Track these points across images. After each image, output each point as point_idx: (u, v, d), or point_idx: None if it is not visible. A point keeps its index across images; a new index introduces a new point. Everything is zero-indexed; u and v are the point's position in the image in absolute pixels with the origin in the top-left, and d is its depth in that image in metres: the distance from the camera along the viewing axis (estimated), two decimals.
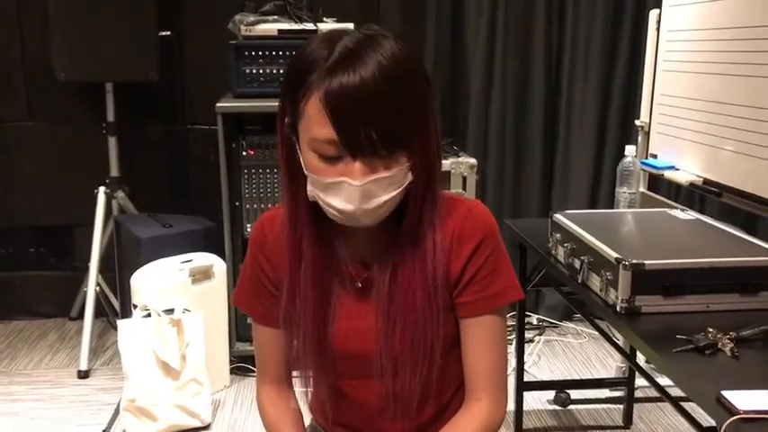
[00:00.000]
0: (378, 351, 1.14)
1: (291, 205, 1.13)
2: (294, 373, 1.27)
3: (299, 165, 1.08)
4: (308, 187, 1.08)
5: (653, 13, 2.52)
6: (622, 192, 2.34)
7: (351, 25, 2.78)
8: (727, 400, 1.17)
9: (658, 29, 2.48)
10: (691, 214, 2.03)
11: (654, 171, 2.43)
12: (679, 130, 2.34)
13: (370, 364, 1.15)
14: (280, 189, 2.81)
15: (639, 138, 2.59)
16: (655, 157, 2.49)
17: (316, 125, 1.01)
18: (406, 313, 1.12)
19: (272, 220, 1.21)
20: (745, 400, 1.16)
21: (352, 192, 1.02)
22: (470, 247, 1.14)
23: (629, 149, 2.37)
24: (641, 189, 2.51)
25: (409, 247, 1.11)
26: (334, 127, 0.99)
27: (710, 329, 1.41)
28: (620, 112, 3.25)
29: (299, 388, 1.26)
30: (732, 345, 1.37)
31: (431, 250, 1.12)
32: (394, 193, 1.05)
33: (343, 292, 1.18)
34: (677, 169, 2.34)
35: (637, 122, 2.61)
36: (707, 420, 1.39)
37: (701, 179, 2.19)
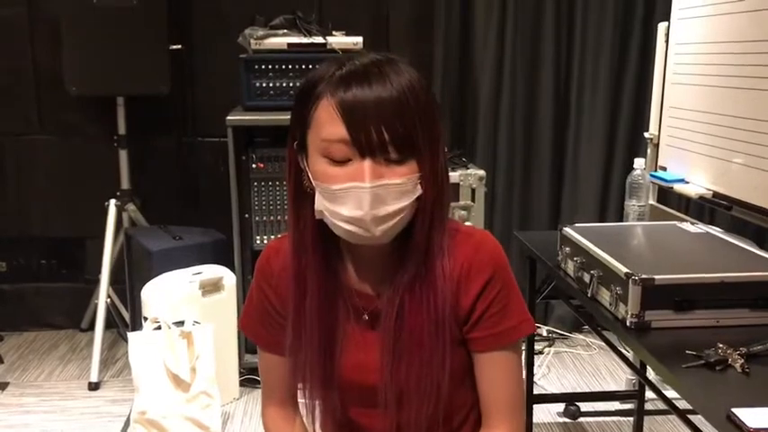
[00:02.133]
0: (383, 385, 1.13)
1: (296, 230, 1.12)
2: (300, 399, 1.26)
3: (306, 189, 1.08)
4: (316, 203, 1.06)
5: (661, 26, 2.52)
6: (632, 204, 2.33)
7: (360, 39, 2.81)
8: (737, 417, 1.16)
9: (667, 41, 2.48)
10: (700, 227, 2.02)
11: (663, 184, 2.43)
12: (688, 142, 2.34)
13: (374, 396, 1.14)
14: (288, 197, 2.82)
15: (649, 150, 2.59)
16: (664, 169, 2.49)
17: (327, 126, 1.01)
18: (412, 348, 1.10)
19: (278, 252, 1.19)
20: (756, 417, 1.15)
21: (362, 196, 1.01)
22: (479, 284, 1.12)
23: (639, 162, 2.37)
24: (651, 201, 2.50)
25: (417, 279, 1.09)
26: (345, 125, 0.99)
27: (720, 345, 1.40)
28: (629, 125, 3.25)
29: (305, 418, 1.25)
30: (742, 360, 1.36)
31: (440, 283, 1.09)
32: (404, 204, 1.04)
33: (350, 324, 1.16)
34: (687, 182, 2.33)
35: (646, 135, 2.61)
36: None
37: (711, 192, 2.19)
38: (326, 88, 1.02)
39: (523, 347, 2.50)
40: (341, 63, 1.05)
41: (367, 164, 1.00)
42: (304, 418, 1.25)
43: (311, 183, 1.07)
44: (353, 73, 1.02)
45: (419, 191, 1.05)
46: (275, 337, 1.20)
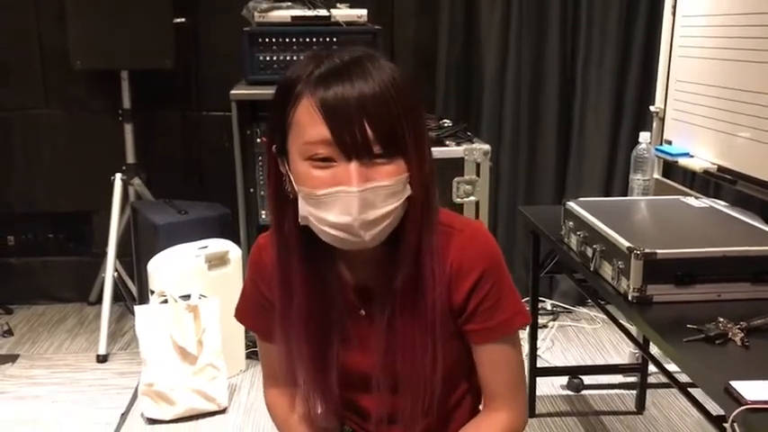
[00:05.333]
0: (376, 376, 1.13)
1: (280, 235, 1.08)
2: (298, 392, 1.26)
3: (288, 194, 1.04)
4: (300, 209, 1.01)
5: None
6: (636, 179, 2.33)
7: (364, 11, 2.79)
8: (735, 390, 1.17)
9: (674, 14, 2.46)
10: (704, 202, 2.02)
11: (668, 158, 2.42)
12: (694, 116, 2.33)
13: (370, 382, 1.15)
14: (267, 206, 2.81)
15: (654, 124, 2.57)
16: (669, 143, 2.48)
17: (307, 127, 0.96)
18: (405, 346, 1.10)
19: (267, 246, 1.16)
20: (754, 390, 1.16)
21: (349, 201, 0.96)
22: (472, 280, 1.11)
23: (644, 136, 2.36)
24: (656, 176, 2.50)
25: (408, 278, 1.07)
26: (327, 125, 0.94)
27: (721, 319, 1.41)
28: (635, 98, 3.22)
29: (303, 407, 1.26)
30: (742, 334, 1.37)
31: (432, 282, 1.07)
32: (394, 206, 1.00)
33: (346, 319, 1.16)
34: (692, 156, 2.32)
35: (652, 108, 2.59)
36: (717, 409, 1.40)
37: (716, 166, 2.18)
38: (305, 88, 0.97)
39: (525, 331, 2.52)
40: (319, 60, 0.99)
41: (353, 166, 0.95)
42: (303, 399, 1.26)
43: (293, 187, 1.02)
44: (333, 70, 0.97)
45: (408, 191, 1.01)
46: (269, 326, 1.18)
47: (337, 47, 1.05)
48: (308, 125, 0.97)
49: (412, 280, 1.07)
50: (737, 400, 1.16)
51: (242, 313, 1.26)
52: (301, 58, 1.04)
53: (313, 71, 0.99)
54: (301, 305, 1.10)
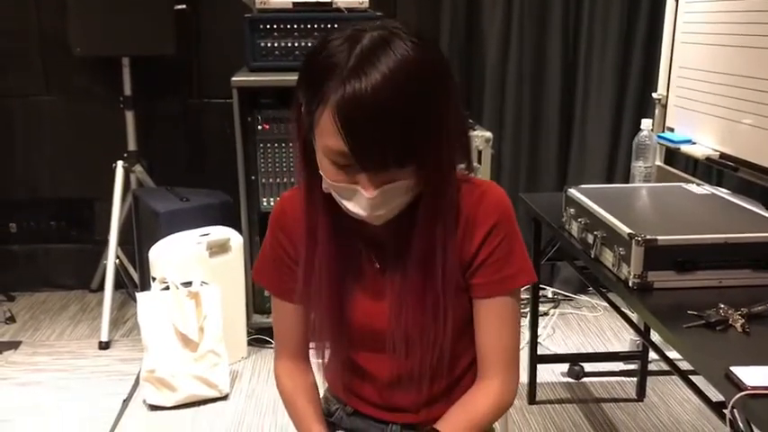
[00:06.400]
0: (390, 330, 1.16)
1: (308, 194, 1.14)
2: (311, 344, 1.29)
3: (315, 159, 1.08)
4: (324, 184, 1.09)
5: None
6: (638, 166, 2.32)
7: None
8: (735, 375, 1.17)
9: (677, 0, 2.44)
10: (706, 189, 2.01)
11: (670, 145, 2.41)
12: (696, 103, 2.32)
13: (383, 341, 1.17)
14: (295, 166, 2.82)
15: (656, 111, 2.57)
16: (672, 130, 2.47)
17: (329, 135, 1.01)
18: (418, 296, 1.13)
19: (292, 199, 1.22)
20: (754, 375, 1.16)
21: (363, 201, 1.04)
22: (484, 231, 1.15)
23: (646, 123, 2.34)
24: (658, 163, 2.49)
25: (426, 226, 1.11)
26: (345, 141, 0.99)
27: (722, 305, 1.41)
28: (637, 85, 3.21)
29: (314, 359, 1.28)
30: (743, 321, 1.37)
31: (449, 230, 1.12)
32: (406, 198, 1.07)
33: (360, 271, 1.19)
34: (694, 143, 2.32)
35: (654, 95, 2.58)
36: (717, 396, 1.40)
37: (718, 153, 2.18)
38: (332, 89, 0.98)
39: (528, 310, 2.52)
40: (351, 48, 0.99)
41: (367, 177, 1.02)
42: (312, 363, 1.28)
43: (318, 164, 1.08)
44: (356, 73, 0.97)
45: (420, 186, 1.06)
46: (288, 283, 1.22)
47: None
48: (330, 133, 1.00)
49: (427, 234, 1.11)
50: (737, 385, 1.16)
51: (260, 272, 1.28)
52: (335, 35, 1.03)
53: (342, 69, 0.98)
54: (324, 253, 1.15)
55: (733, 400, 1.14)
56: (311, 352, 1.29)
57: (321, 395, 1.34)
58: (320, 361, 1.27)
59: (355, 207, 1.06)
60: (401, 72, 0.98)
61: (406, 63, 0.99)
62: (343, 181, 1.04)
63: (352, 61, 0.98)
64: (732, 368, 1.19)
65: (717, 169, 2.99)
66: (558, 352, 2.91)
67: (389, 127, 0.98)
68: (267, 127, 2.82)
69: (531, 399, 2.55)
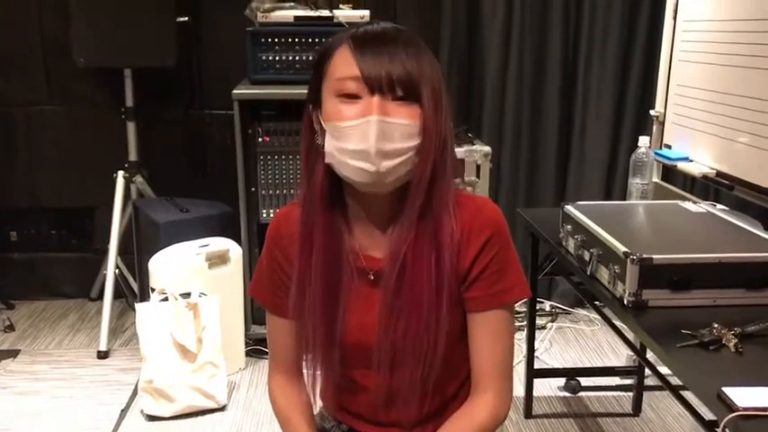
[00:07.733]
0: (377, 343, 1.17)
1: (308, 186, 1.18)
2: (304, 361, 1.30)
3: (318, 147, 1.14)
4: (327, 145, 1.12)
5: (670, 2, 2.51)
6: (635, 182, 2.34)
7: (366, 12, 2.81)
8: (727, 396, 1.18)
9: (675, 19, 2.47)
10: (702, 207, 2.03)
11: (667, 162, 2.43)
12: (694, 120, 2.34)
13: (370, 356, 1.18)
14: (295, 175, 2.84)
15: (654, 128, 2.59)
16: (669, 147, 2.49)
17: (341, 67, 1.11)
18: (411, 307, 1.14)
19: (287, 216, 1.24)
20: (745, 396, 1.17)
21: (369, 129, 1.07)
22: (479, 244, 1.17)
23: (643, 140, 2.36)
24: (655, 180, 2.51)
25: (422, 233, 1.13)
26: (358, 64, 1.08)
27: (716, 325, 1.42)
28: (635, 102, 3.23)
29: (308, 377, 1.29)
30: (736, 340, 1.38)
31: (444, 240, 1.14)
32: (408, 144, 1.09)
33: (354, 284, 1.20)
34: (691, 161, 2.33)
35: (652, 112, 2.60)
36: (711, 414, 1.41)
37: (715, 171, 2.19)
38: (343, 40, 1.13)
39: (524, 324, 2.53)
40: (355, 28, 1.15)
41: (375, 99, 1.08)
42: (306, 385, 1.28)
43: (323, 137, 1.13)
44: (369, 30, 1.13)
45: (421, 138, 1.11)
46: (282, 299, 1.24)
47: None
48: (341, 64, 1.11)
49: (426, 233, 1.14)
50: (729, 406, 1.17)
51: (256, 288, 1.31)
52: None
53: (350, 31, 1.14)
54: (319, 260, 1.18)
55: (725, 420, 1.15)
56: (305, 377, 1.29)
57: (316, 412, 1.34)
58: (313, 376, 1.27)
59: (360, 142, 1.08)
60: (405, 33, 1.14)
61: (411, 32, 1.14)
62: (350, 117, 1.08)
63: (362, 27, 1.14)
64: (724, 388, 1.20)
65: (714, 186, 3.01)
66: (555, 366, 2.92)
67: (395, 50, 1.09)
68: (267, 139, 2.83)
69: (528, 413, 2.56)
